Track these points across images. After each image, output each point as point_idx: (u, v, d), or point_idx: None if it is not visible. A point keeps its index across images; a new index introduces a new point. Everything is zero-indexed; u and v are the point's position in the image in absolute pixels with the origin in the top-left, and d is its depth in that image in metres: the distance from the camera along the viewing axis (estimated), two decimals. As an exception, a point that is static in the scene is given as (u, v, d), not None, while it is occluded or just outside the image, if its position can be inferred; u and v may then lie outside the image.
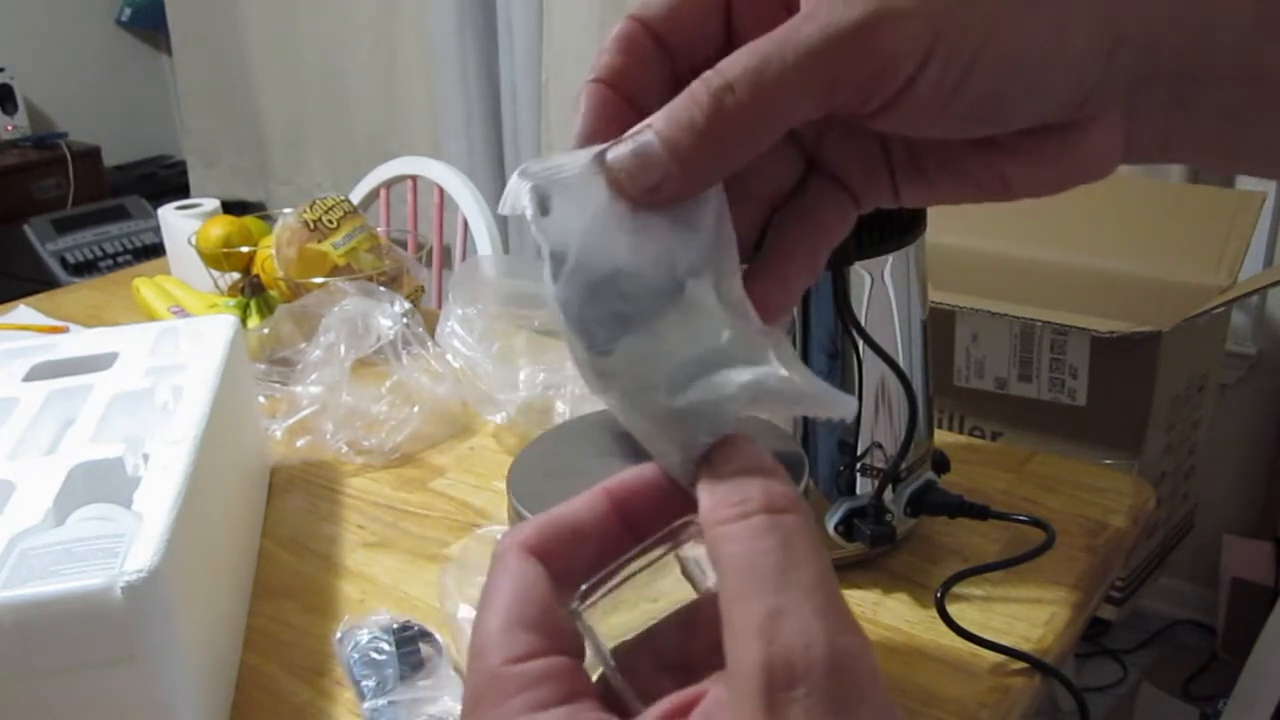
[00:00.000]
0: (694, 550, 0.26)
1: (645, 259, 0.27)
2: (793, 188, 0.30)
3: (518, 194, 0.27)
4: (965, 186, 0.29)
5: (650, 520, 0.27)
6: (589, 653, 0.26)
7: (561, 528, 0.27)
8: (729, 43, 0.29)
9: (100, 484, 0.61)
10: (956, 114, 0.26)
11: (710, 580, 0.25)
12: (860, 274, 0.63)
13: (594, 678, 0.26)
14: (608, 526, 0.27)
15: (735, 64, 0.25)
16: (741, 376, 0.26)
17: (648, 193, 0.26)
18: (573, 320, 0.27)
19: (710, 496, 0.25)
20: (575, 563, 0.27)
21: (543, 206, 0.27)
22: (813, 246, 0.30)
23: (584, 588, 0.26)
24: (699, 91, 0.26)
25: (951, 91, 0.25)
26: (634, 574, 0.26)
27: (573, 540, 0.27)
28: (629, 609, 0.26)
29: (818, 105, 0.26)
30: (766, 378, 0.26)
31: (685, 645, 0.26)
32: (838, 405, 0.27)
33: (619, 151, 0.26)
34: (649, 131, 0.26)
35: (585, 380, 0.27)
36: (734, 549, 0.23)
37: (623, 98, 0.28)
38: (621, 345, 0.27)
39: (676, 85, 0.28)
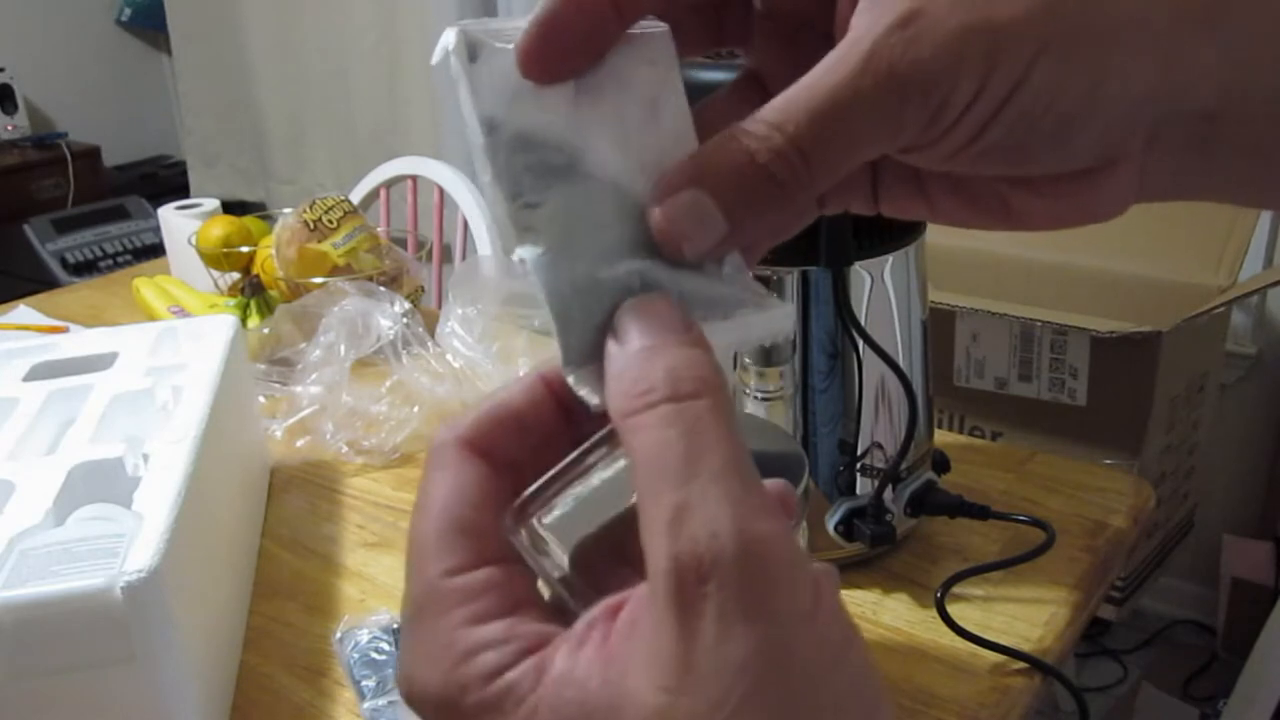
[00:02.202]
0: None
1: (589, 133, 0.25)
2: None
3: (445, 39, 0.25)
4: (964, 208, 0.28)
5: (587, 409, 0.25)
6: (529, 563, 0.25)
7: (503, 419, 0.26)
8: None
9: (100, 484, 0.61)
10: (975, 151, 0.25)
11: None
12: (860, 274, 0.63)
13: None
14: (547, 414, 0.26)
15: (793, 116, 0.23)
16: (674, 275, 0.24)
17: (700, 254, 0.25)
18: (499, 168, 0.24)
19: (616, 384, 0.23)
20: (519, 454, 0.25)
21: (471, 54, 0.25)
22: (755, 243, 0.27)
23: (517, 504, 0.24)
24: (758, 151, 0.23)
25: (980, 128, 0.24)
26: (570, 482, 0.24)
27: (515, 430, 0.25)
28: (574, 517, 0.25)
29: (882, 150, 0.24)
30: (700, 284, 0.25)
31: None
32: (777, 317, 0.25)
33: (672, 213, 0.24)
34: (700, 193, 0.24)
35: (503, 238, 0.26)
36: (639, 442, 0.22)
37: None
38: (552, 195, 0.24)
39: (668, 4, 0.26)
